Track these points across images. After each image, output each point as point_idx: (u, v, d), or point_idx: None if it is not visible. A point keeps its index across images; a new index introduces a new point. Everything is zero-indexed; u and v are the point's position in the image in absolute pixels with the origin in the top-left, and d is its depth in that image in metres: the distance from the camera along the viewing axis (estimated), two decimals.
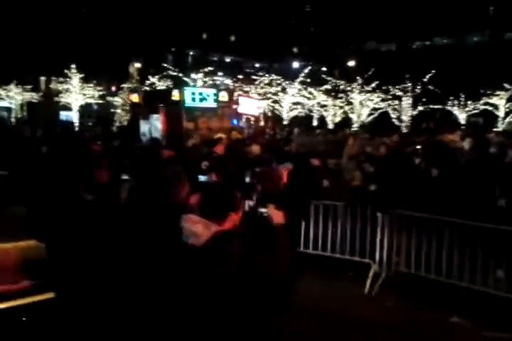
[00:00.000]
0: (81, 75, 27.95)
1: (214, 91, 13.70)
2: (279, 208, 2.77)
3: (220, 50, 46.26)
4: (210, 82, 26.75)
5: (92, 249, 3.44)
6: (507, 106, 27.92)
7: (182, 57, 42.27)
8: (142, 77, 26.40)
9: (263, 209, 2.76)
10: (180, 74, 26.85)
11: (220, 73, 33.45)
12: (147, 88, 25.31)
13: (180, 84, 23.39)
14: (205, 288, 2.28)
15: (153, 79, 27.05)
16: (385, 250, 6.13)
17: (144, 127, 13.81)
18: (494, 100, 28.08)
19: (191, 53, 46.68)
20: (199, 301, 2.29)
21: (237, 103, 14.04)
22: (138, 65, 26.38)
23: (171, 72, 27.29)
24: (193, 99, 12.99)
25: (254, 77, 28.46)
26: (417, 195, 6.21)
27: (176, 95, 13.55)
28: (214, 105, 12.98)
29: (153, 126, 13.36)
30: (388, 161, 7.59)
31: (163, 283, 2.33)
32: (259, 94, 26.22)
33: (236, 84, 27.43)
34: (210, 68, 28.01)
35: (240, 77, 31.44)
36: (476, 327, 5.06)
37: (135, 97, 15.98)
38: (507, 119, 27.94)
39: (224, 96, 13.57)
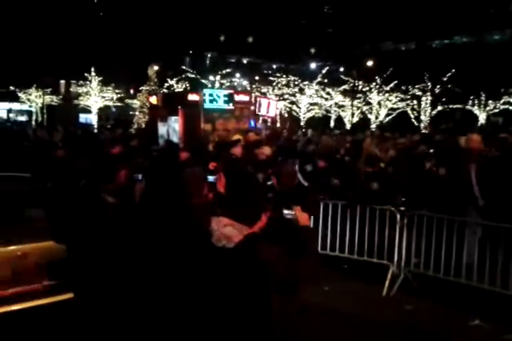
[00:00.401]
0: (100, 78, 28.33)
1: (231, 92, 13.75)
2: (304, 209, 2.74)
3: (238, 52, 46.40)
4: (228, 84, 26.85)
5: (112, 251, 3.48)
6: None
7: (200, 59, 42.52)
8: (160, 80, 26.64)
9: (287, 211, 2.75)
10: (198, 77, 27.02)
11: (237, 75, 33.56)
12: (165, 90, 25.53)
13: (197, 87, 23.54)
14: (235, 289, 2.28)
15: (171, 82, 27.27)
16: (403, 251, 6.07)
17: (162, 129, 13.91)
18: None
19: (209, 55, 46.92)
20: (226, 303, 2.30)
21: (254, 104, 14.06)
22: (156, 67, 26.63)
23: (189, 75, 27.48)
24: (211, 101, 13.05)
25: (271, 78, 28.48)
26: (434, 196, 6.14)
27: (194, 97, 13.63)
28: (231, 106, 13.03)
29: (172, 128, 13.45)
30: (397, 162, 7.55)
31: (191, 285, 2.34)
32: (277, 95, 26.21)
33: (253, 86, 27.49)
34: (227, 70, 28.11)
35: (257, 78, 31.48)
36: (496, 330, 4.98)
37: (153, 99, 16.11)
38: None
39: (241, 97, 13.61)
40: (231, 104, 13.01)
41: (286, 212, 2.69)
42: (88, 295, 3.70)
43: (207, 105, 12.84)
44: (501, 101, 27.90)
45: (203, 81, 26.98)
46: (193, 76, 27.16)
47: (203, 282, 2.35)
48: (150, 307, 2.49)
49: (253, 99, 14.34)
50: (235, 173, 3.72)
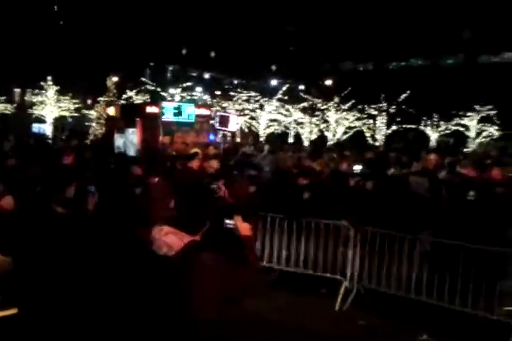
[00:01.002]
0: (57, 87, 27.70)
1: (192, 106, 13.74)
2: (245, 220, 2.78)
3: (200, 66, 46.48)
4: (188, 97, 26.82)
5: (59, 263, 3.38)
6: (478, 127, 28.72)
7: (160, 72, 42.32)
8: (119, 91, 26.33)
9: (228, 221, 2.77)
10: (158, 89, 26.88)
11: (198, 89, 33.59)
12: (124, 102, 25.22)
13: (157, 99, 23.39)
14: (174, 296, 2.27)
15: (130, 93, 26.98)
16: (356, 267, 6.17)
17: (119, 141, 13.70)
18: (465, 121, 28.87)
19: (170, 68, 46.80)
20: (166, 309, 2.29)
21: (213, 118, 14.10)
22: (115, 78, 26.32)
23: (148, 87, 27.28)
24: (170, 114, 12.99)
25: (232, 94, 28.67)
26: (384, 212, 6.30)
27: (153, 109, 13.53)
28: (191, 120, 13.01)
29: (129, 140, 13.28)
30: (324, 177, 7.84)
31: (133, 293, 2.33)
32: (237, 111, 26.38)
33: (214, 100, 27.58)
34: (188, 83, 28.11)
35: (218, 93, 31.62)
36: None
37: (111, 110, 15.86)
38: (477, 140, 28.71)
39: (201, 111, 13.62)
40: (191, 118, 12.99)
41: (227, 221, 2.70)
42: (34, 310, 3.56)
43: (166, 117, 12.77)
44: (453, 123, 29.09)
45: (163, 93, 26.84)
46: (153, 88, 26.99)
47: (144, 289, 2.34)
48: (93, 319, 2.44)
49: (213, 114, 14.38)
50: (182, 185, 3.71)
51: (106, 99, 24.55)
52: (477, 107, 28.28)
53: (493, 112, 28.27)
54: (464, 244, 5.30)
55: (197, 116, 13.18)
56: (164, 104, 13.65)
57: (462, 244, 5.32)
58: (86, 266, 2.66)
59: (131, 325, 2.36)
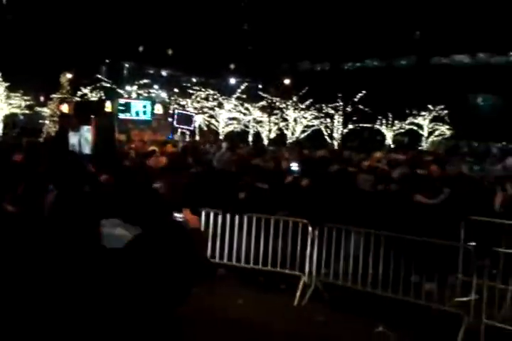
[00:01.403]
0: (7, 84, 26.66)
1: (149, 103, 13.53)
2: (193, 213, 2.82)
3: (157, 64, 45.86)
4: (145, 95, 26.41)
5: (8, 261, 3.25)
6: (430, 126, 29.67)
7: (116, 69, 41.48)
8: (73, 88, 25.61)
9: (177, 214, 2.77)
10: (114, 86, 26.34)
11: (156, 86, 33.15)
12: (78, 99, 24.57)
13: (113, 96, 22.89)
14: (126, 290, 2.23)
15: (85, 90, 26.30)
16: (314, 262, 6.24)
17: (73, 139, 13.30)
18: (419, 120, 29.77)
19: (126, 65, 45.94)
20: (119, 305, 2.24)
21: (172, 116, 13.93)
22: (69, 75, 25.57)
23: (104, 84, 26.69)
24: (127, 111, 12.74)
25: (190, 91, 28.44)
26: (340, 207, 6.43)
27: (108, 106, 13.23)
28: (148, 117, 12.81)
29: (84, 137, 12.91)
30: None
31: (82, 289, 2.27)
32: (195, 109, 26.20)
33: (172, 98, 27.29)
34: (145, 81, 27.68)
35: (176, 90, 31.30)
36: (399, 337, 5.23)
37: (65, 108, 15.41)
38: (430, 138, 29.67)
39: (159, 109, 13.43)
40: (148, 115, 12.79)
41: (176, 215, 2.71)
42: None
43: (122, 115, 12.52)
44: (407, 122, 29.91)
45: (119, 91, 26.31)
46: (108, 85, 26.42)
47: (94, 284, 2.28)
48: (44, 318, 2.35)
49: (171, 111, 14.21)
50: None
51: (59, 96, 23.83)
52: (430, 106, 29.22)
53: (444, 112, 29.27)
54: (417, 238, 5.46)
55: (154, 113, 12.99)
56: (120, 101, 13.38)
57: (415, 238, 5.47)
58: (35, 263, 2.56)
59: (82, 322, 2.29)
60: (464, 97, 38.71)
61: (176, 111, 14.68)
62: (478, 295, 5.17)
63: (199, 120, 26.27)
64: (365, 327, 5.44)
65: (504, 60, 41.77)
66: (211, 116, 27.81)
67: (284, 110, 29.67)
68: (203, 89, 28.35)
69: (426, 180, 7.27)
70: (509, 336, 4.93)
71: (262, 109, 29.55)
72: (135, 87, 26.76)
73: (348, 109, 29.37)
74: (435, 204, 6.52)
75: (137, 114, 12.75)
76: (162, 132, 12.92)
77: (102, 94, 26.36)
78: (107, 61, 43.16)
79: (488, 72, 37.86)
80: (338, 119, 29.68)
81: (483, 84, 37.30)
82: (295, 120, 29.75)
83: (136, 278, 2.23)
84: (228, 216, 6.74)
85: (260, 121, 30.16)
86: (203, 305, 5.48)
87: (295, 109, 29.57)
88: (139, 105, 13.09)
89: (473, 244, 5.38)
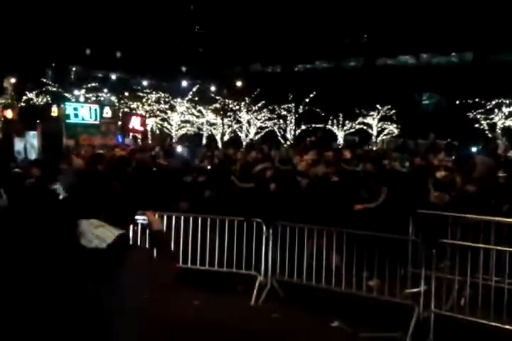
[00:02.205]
0: None
1: (97, 107, 13.22)
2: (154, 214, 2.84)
3: (106, 67, 44.89)
4: (94, 99, 25.78)
5: None
6: (379, 125, 30.51)
7: (63, 72, 40.28)
8: (18, 93, 24.68)
9: (140, 217, 2.79)
10: (60, 90, 25.58)
11: (105, 90, 32.43)
12: (23, 104, 23.69)
13: (60, 100, 22.23)
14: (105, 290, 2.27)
15: (30, 95, 25.39)
16: (269, 261, 6.29)
17: (18, 145, 12.84)
18: (368, 120, 30.54)
19: (74, 69, 44.70)
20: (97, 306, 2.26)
21: (122, 119, 13.68)
22: (13, 79, 24.63)
23: (50, 88, 25.87)
24: (75, 116, 12.41)
25: (141, 94, 27.99)
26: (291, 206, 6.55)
27: (55, 111, 12.85)
28: (96, 122, 12.52)
29: (30, 143, 12.49)
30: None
31: (61, 288, 2.27)
32: (147, 112, 25.82)
33: (122, 101, 26.76)
34: (93, 84, 27.03)
35: (127, 94, 30.72)
36: (353, 330, 5.35)
37: (9, 113, 14.84)
38: (379, 138, 30.49)
39: (108, 112, 13.15)
40: (96, 119, 12.50)
41: (138, 217, 2.74)
42: None
43: (70, 120, 12.18)
44: (357, 122, 30.62)
45: (67, 95, 25.56)
46: (54, 89, 25.63)
47: (73, 284, 2.30)
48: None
49: (121, 115, 13.95)
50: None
51: (3, 101, 22.87)
52: (378, 106, 30.04)
53: (392, 111, 30.16)
54: (367, 233, 5.61)
55: (103, 117, 12.71)
56: (67, 105, 13.01)
57: (365, 233, 5.62)
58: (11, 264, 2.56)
59: (57, 322, 2.29)
60: (410, 96, 40.08)
61: (126, 114, 14.43)
62: (427, 286, 5.36)
63: (151, 123, 25.93)
64: (322, 322, 5.54)
65: (446, 60, 43.59)
66: (163, 119, 27.48)
67: (238, 112, 29.72)
68: (154, 92, 27.99)
69: (365, 177, 7.52)
70: (457, 324, 5.15)
71: (215, 111, 29.47)
72: (83, 91, 26.08)
73: (300, 110, 29.75)
74: (378, 205, 6.73)
75: (85, 118, 12.43)
76: (111, 136, 12.66)
77: (49, 99, 25.55)
78: (53, 65, 41.87)
79: (431, 72, 39.41)
80: (290, 120, 30.03)
81: (427, 84, 38.78)
82: (248, 122, 29.85)
83: (115, 276, 2.27)
84: (182, 218, 6.69)
85: (214, 124, 30.06)
86: (158, 307, 5.42)
87: (248, 110, 29.67)
88: (86, 109, 12.77)
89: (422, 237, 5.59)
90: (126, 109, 22.78)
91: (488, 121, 27.37)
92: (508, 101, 27.42)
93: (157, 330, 4.73)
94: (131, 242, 2.65)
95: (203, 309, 5.83)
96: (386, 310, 5.58)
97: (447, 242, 5.43)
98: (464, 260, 5.30)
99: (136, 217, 2.79)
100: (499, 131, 26.98)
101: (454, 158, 12.27)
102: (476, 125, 27.69)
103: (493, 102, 27.38)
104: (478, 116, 27.50)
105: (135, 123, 14.28)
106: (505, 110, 27.44)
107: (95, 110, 12.83)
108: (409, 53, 44.86)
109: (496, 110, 27.51)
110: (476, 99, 27.86)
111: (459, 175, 7.68)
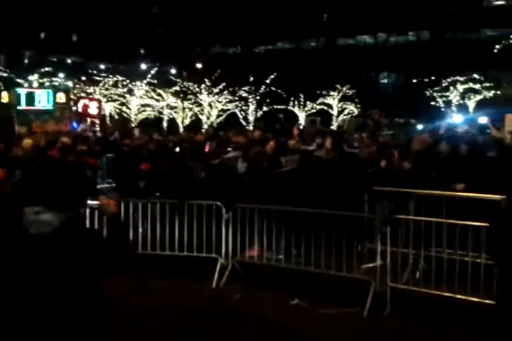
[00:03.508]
0: None
1: (50, 92, 12.78)
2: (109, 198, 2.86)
3: (61, 51, 43.38)
4: (48, 84, 24.90)
5: None
6: (339, 105, 30.77)
7: (16, 57, 38.70)
8: None
9: (93, 202, 2.86)
10: (12, 76, 24.58)
11: (61, 75, 31.36)
12: None
13: (12, 87, 21.39)
14: (57, 276, 2.31)
15: None
16: (230, 243, 6.31)
17: None
18: (329, 100, 30.73)
19: (27, 53, 43.01)
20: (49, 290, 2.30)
21: (76, 105, 13.28)
22: None
23: (1, 74, 24.82)
24: (26, 101, 11.97)
25: (98, 78, 27.19)
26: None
27: (5, 97, 12.35)
28: (50, 107, 12.11)
29: None
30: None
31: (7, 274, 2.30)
32: (104, 96, 25.16)
33: (77, 86, 25.96)
34: (47, 69, 26.07)
35: (83, 78, 29.79)
36: (313, 307, 5.46)
37: None
38: (340, 117, 30.79)
39: (61, 97, 12.73)
40: (49, 105, 12.09)
41: (90, 202, 2.79)
42: None
43: (21, 106, 11.74)
44: (317, 102, 30.74)
45: (19, 80, 24.58)
46: (5, 75, 24.60)
47: (18, 270, 2.34)
48: None
49: (75, 100, 13.54)
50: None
51: None
52: (338, 86, 30.23)
53: (352, 91, 30.42)
54: (325, 211, 5.69)
55: (56, 103, 12.30)
56: (18, 91, 12.52)
57: (321, 211, 5.70)
58: None
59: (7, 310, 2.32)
60: (369, 76, 40.54)
61: (81, 99, 14.01)
62: (383, 261, 5.51)
63: (109, 108, 25.33)
64: (282, 301, 5.62)
65: (404, 39, 44.16)
66: (122, 104, 26.83)
67: (198, 95, 29.31)
68: (111, 76, 27.23)
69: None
70: (412, 296, 5.33)
71: (176, 94, 28.96)
72: (36, 76, 25.12)
73: (261, 91, 29.61)
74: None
75: (37, 104, 12.00)
76: (67, 122, 12.30)
77: (0, 85, 24.52)
78: (5, 50, 40.19)
79: (389, 51, 39.90)
80: (252, 102, 29.86)
81: (385, 63, 39.28)
82: (210, 104, 29.51)
83: (62, 261, 2.30)
84: (140, 204, 6.61)
85: (174, 107, 29.59)
86: (119, 293, 5.39)
87: (209, 93, 29.32)
88: (39, 94, 12.32)
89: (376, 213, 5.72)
90: (82, 94, 22.14)
91: (444, 98, 28.03)
92: (462, 79, 28.10)
93: (120, 317, 4.71)
94: (80, 226, 2.69)
95: (165, 294, 5.82)
96: (345, 286, 5.71)
97: (401, 217, 5.58)
98: (417, 234, 5.46)
99: (89, 201, 2.83)
100: (454, 108, 27.70)
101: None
102: (433, 103, 28.31)
103: (449, 80, 28.01)
104: (435, 94, 28.10)
105: (90, 107, 13.87)
106: (460, 87, 28.13)
107: (48, 95, 12.38)
108: (367, 33, 45.18)
109: (452, 88, 28.16)
110: (433, 78, 28.40)
111: (396, 151, 7.91)
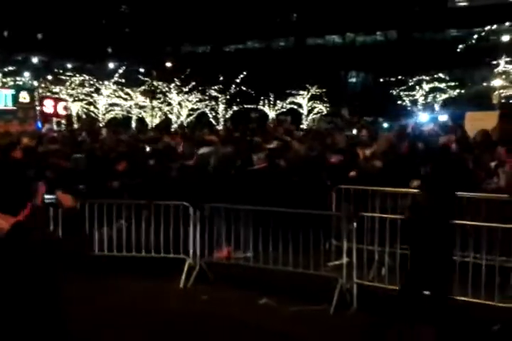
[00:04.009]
0: None
1: (12, 91, 12.45)
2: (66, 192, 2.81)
3: (26, 49, 42.35)
4: (12, 83, 24.27)
5: None
6: (309, 104, 31.03)
7: None
8: None
9: (48, 196, 2.78)
10: None
11: (26, 74, 30.63)
12: None
13: None
14: (12, 281, 2.29)
15: None
16: (197, 244, 6.27)
17: None
18: (298, 99, 30.95)
19: None
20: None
21: (40, 104, 12.97)
22: None
23: None
24: None
25: (64, 78, 26.66)
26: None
27: None
28: (12, 107, 11.79)
29: None
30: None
31: None
32: (71, 96, 24.69)
33: (43, 85, 25.39)
34: (10, 68, 25.41)
35: (50, 77, 29.16)
36: (281, 305, 5.48)
37: None
38: (309, 117, 31.06)
39: (25, 97, 12.41)
40: (12, 105, 11.77)
41: (46, 196, 2.72)
42: None
43: None
44: (287, 101, 30.93)
45: None
46: None
47: None
48: None
49: (39, 99, 13.22)
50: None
51: None
52: (307, 86, 30.47)
53: (321, 90, 30.71)
54: (291, 210, 5.72)
55: (20, 102, 11.98)
56: None
57: (288, 210, 5.72)
58: None
59: None
60: (337, 75, 40.99)
61: (45, 99, 13.68)
62: (349, 258, 5.56)
63: (76, 107, 24.88)
64: (250, 301, 5.62)
65: (371, 39, 44.84)
66: (89, 103, 26.38)
67: (168, 94, 29.08)
68: (78, 75, 26.73)
69: None
70: (377, 293, 5.40)
71: (144, 93, 28.67)
72: (0, 75, 24.46)
73: (232, 90, 29.59)
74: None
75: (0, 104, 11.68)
76: (31, 122, 11.99)
77: None
78: None
79: (357, 51, 40.46)
80: (222, 101, 29.82)
81: (354, 62, 39.81)
82: (179, 104, 29.32)
83: (12, 266, 2.28)
84: (105, 205, 6.49)
85: (143, 106, 29.28)
86: (86, 294, 5.30)
87: (178, 92, 29.11)
88: (1, 94, 11.98)
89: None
90: (48, 94, 21.64)
91: (410, 97, 28.59)
92: (428, 78, 28.71)
93: (88, 317, 4.64)
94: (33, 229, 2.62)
95: (133, 294, 5.74)
96: (312, 284, 5.74)
97: (367, 215, 5.65)
98: (382, 232, 5.53)
99: (46, 196, 2.77)
100: (420, 107, 28.28)
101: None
102: (399, 101, 28.84)
103: (415, 79, 28.59)
104: (401, 93, 28.64)
105: (55, 107, 13.56)
106: (426, 87, 28.74)
107: (10, 95, 12.05)
108: (336, 33, 45.70)
109: (417, 87, 28.74)
110: (399, 77, 28.94)
111: (362, 150, 8.01)
